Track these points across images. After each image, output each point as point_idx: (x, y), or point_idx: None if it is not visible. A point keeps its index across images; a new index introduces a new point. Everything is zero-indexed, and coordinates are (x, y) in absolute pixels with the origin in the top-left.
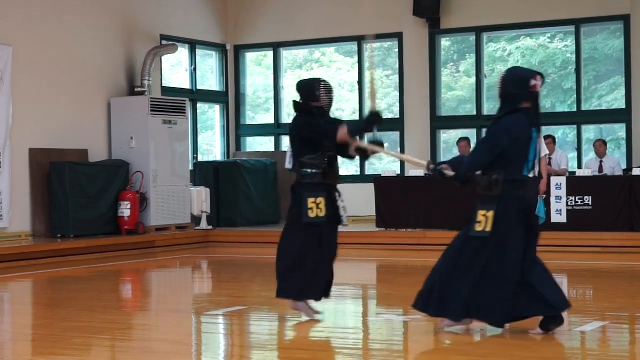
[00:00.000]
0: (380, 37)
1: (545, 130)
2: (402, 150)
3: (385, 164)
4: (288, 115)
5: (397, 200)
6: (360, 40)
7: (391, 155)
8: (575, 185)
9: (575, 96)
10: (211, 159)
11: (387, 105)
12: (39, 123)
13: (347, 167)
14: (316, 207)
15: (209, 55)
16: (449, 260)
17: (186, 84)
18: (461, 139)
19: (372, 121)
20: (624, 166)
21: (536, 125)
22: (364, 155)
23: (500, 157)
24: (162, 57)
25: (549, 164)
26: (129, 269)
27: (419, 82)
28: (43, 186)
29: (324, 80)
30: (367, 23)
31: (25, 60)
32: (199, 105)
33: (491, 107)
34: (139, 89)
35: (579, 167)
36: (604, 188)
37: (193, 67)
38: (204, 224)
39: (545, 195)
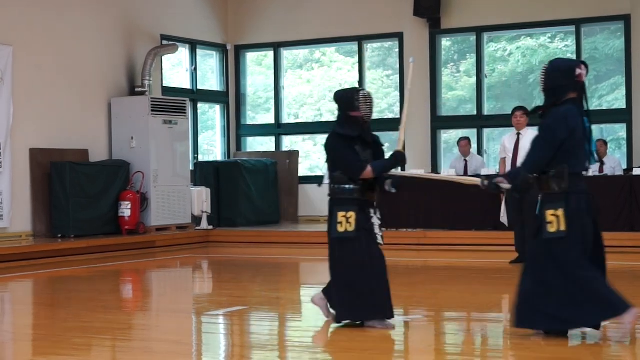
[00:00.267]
0: (380, 37)
1: None
2: (403, 150)
3: None
4: (288, 115)
5: (397, 200)
6: (360, 40)
7: (437, 179)
8: None
9: None
10: (212, 159)
11: (388, 105)
12: (39, 123)
13: None
14: (346, 222)
15: (210, 55)
16: (533, 269)
17: (187, 84)
18: (462, 139)
19: (397, 162)
20: (625, 166)
21: (587, 115)
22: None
23: (560, 151)
24: (163, 57)
25: None
26: (130, 269)
27: (420, 82)
28: (43, 186)
29: (363, 89)
30: (368, 23)
31: (26, 60)
32: (199, 105)
33: (491, 107)
34: (140, 89)
35: None
36: (605, 188)
37: (193, 67)
38: (204, 224)
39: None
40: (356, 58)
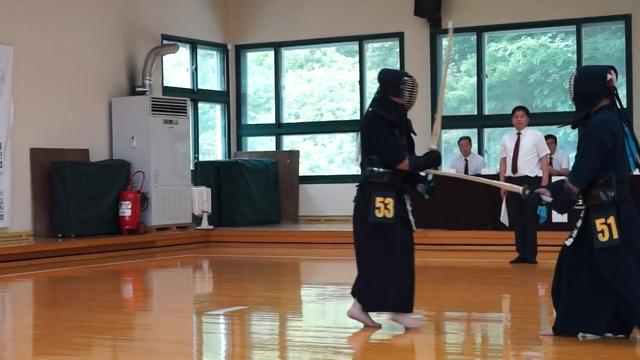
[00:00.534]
0: (381, 37)
1: (546, 130)
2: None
3: None
4: (289, 115)
5: None
6: (361, 39)
7: (478, 182)
8: None
9: None
10: (212, 158)
11: None
12: (39, 123)
13: (347, 167)
14: (384, 207)
15: (210, 55)
16: (587, 279)
17: (187, 84)
18: (462, 138)
19: (432, 162)
20: None
21: (624, 120)
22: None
23: (607, 159)
24: (163, 57)
25: (550, 163)
26: (130, 268)
27: (420, 81)
28: (44, 186)
29: (411, 76)
30: (368, 22)
31: (26, 60)
32: (200, 104)
33: (492, 106)
34: (140, 89)
35: None
36: None
37: (194, 66)
38: (204, 224)
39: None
40: (357, 58)
